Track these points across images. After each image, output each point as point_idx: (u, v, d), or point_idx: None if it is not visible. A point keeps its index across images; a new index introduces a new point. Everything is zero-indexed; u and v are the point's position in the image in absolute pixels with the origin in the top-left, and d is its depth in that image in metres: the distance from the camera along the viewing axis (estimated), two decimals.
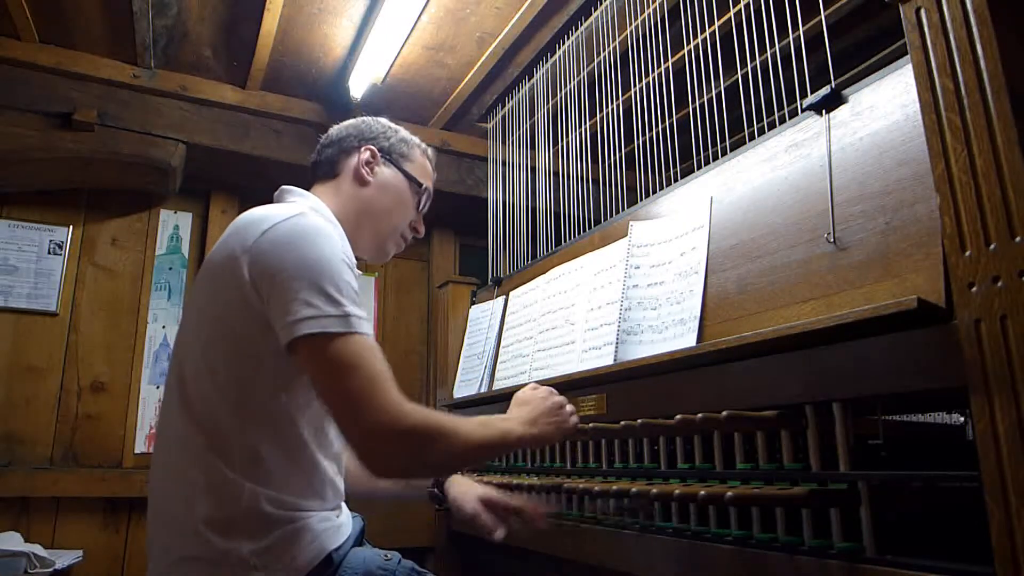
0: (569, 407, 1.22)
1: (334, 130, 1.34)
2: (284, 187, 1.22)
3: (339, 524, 1.07)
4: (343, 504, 1.14)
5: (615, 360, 1.49)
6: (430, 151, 1.39)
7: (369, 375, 0.92)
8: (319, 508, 1.04)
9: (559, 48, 2.18)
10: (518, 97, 2.44)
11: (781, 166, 1.29)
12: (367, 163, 1.27)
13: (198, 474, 0.96)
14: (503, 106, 2.55)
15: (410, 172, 1.32)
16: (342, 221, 1.20)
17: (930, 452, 1.07)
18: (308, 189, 1.26)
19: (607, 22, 1.99)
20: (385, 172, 1.29)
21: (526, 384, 1.27)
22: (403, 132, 1.36)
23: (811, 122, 1.25)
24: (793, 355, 1.07)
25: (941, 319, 0.87)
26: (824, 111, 1.22)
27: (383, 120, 1.36)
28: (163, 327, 2.54)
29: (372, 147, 1.28)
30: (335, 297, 0.95)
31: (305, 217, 1.03)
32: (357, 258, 1.28)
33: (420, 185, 1.33)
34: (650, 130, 1.79)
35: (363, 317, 0.98)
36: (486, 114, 2.62)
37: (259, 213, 1.06)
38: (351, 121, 1.35)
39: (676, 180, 1.59)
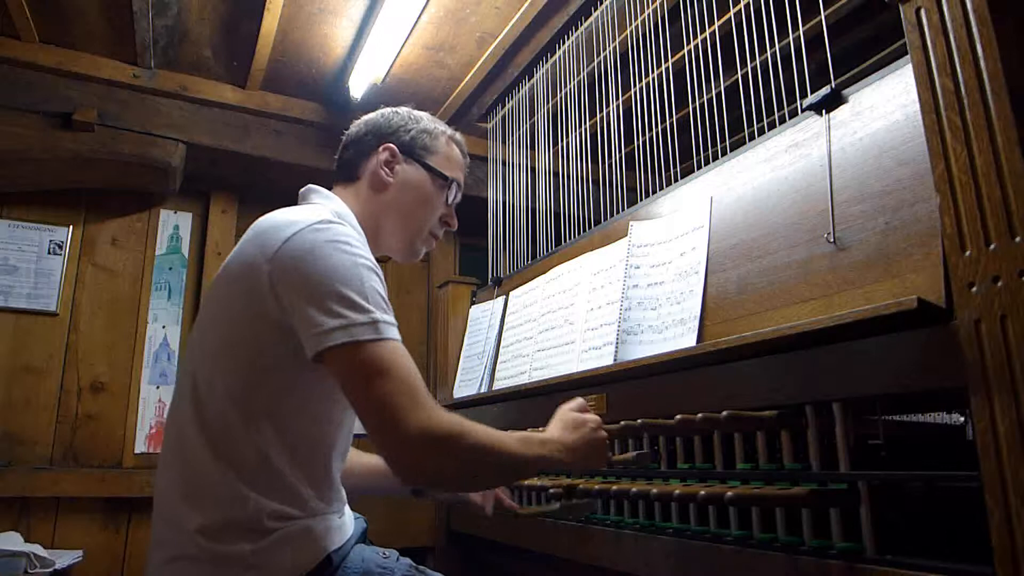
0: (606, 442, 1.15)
1: (353, 128, 1.28)
2: (310, 186, 1.19)
3: (340, 525, 1.06)
4: (346, 505, 1.14)
5: (615, 360, 1.49)
6: (458, 136, 1.32)
7: (402, 381, 0.90)
8: (323, 511, 1.03)
9: (559, 48, 2.18)
10: (518, 97, 2.44)
11: (781, 166, 1.29)
12: (386, 163, 1.21)
13: (205, 481, 0.95)
14: (503, 106, 2.55)
15: (434, 166, 1.24)
16: (366, 225, 1.17)
17: (930, 452, 1.07)
18: (330, 189, 1.22)
19: (607, 22, 1.99)
20: (407, 170, 1.22)
21: (571, 400, 1.18)
22: (425, 120, 1.28)
23: (811, 122, 1.25)
24: (793, 355, 1.07)
25: (941, 319, 0.87)
26: (824, 111, 1.22)
27: (403, 110, 1.28)
28: (163, 327, 2.54)
29: (391, 145, 1.22)
30: (362, 304, 0.93)
31: (328, 224, 1.00)
32: (386, 258, 1.25)
33: (446, 178, 1.25)
34: (650, 130, 1.79)
35: (392, 323, 0.95)
36: (486, 114, 2.62)
37: (281, 218, 1.02)
38: (370, 116, 1.28)
39: (676, 180, 1.59)
